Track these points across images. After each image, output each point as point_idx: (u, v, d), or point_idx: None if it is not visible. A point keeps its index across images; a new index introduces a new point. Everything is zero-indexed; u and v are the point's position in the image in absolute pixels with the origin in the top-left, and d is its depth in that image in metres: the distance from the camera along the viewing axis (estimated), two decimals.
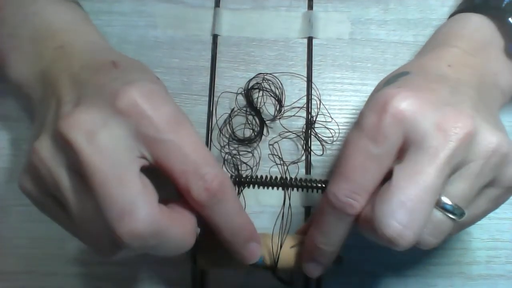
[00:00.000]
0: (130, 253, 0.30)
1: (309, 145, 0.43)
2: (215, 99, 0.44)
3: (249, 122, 0.43)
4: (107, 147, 0.28)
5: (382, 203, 0.28)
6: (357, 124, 0.31)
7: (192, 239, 0.32)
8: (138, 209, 0.28)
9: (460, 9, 0.39)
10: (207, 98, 0.44)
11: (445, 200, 0.29)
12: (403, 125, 0.29)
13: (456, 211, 0.29)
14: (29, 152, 0.30)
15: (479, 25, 0.37)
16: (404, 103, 0.29)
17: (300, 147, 0.43)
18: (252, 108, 0.43)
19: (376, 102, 0.30)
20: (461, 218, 0.30)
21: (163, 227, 0.29)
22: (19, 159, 0.43)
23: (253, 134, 0.42)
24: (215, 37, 0.46)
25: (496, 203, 0.32)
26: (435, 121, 0.29)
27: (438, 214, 0.29)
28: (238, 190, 0.32)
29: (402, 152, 0.30)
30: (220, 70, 0.45)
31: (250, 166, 0.42)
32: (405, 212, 0.28)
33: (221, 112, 0.43)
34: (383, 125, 0.29)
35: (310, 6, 0.47)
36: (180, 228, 0.30)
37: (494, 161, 0.29)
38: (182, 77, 0.45)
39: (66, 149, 0.29)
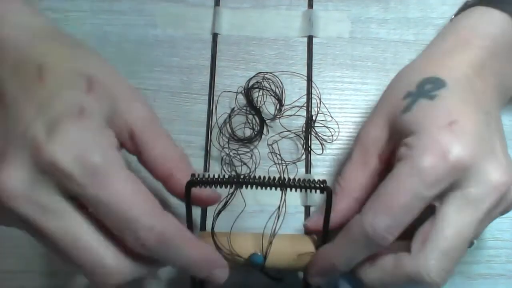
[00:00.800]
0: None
1: (309, 144, 0.42)
2: (215, 98, 0.44)
3: (249, 121, 0.43)
4: (47, 205, 0.28)
5: (426, 249, 0.30)
6: (409, 161, 0.30)
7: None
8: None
9: (478, 1, 0.37)
10: (207, 97, 0.44)
11: None
12: (458, 173, 0.30)
13: (470, 245, 0.32)
14: None
15: (505, 25, 0.36)
16: (463, 153, 0.30)
17: (300, 146, 0.43)
18: (252, 107, 0.43)
19: (434, 147, 0.30)
20: (471, 247, 0.32)
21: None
22: None
23: (253, 133, 0.42)
24: (215, 36, 0.46)
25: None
26: (486, 174, 0.30)
27: None
28: (235, 191, 0.32)
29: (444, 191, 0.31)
30: (220, 69, 0.45)
31: (248, 166, 0.42)
32: (448, 260, 0.30)
33: (221, 111, 0.43)
34: (441, 173, 0.29)
35: (310, 5, 0.47)
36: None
37: None
38: (182, 76, 0.45)
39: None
